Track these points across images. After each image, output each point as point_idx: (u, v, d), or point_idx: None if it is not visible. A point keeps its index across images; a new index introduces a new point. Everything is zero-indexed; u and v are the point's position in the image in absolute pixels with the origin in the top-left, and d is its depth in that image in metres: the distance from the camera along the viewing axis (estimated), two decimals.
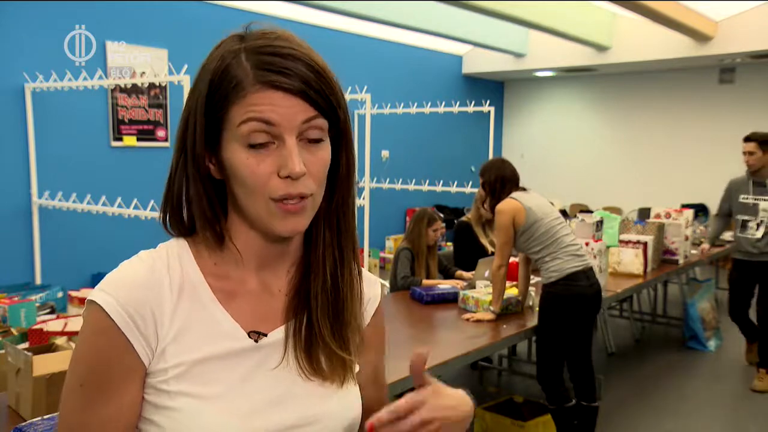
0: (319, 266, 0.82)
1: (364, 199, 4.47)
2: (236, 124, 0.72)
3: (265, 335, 0.80)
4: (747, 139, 4.23)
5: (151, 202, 3.96)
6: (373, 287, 0.92)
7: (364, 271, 0.93)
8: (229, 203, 0.79)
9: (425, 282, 3.86)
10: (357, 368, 0.87)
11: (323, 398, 0.81)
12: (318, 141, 0.75)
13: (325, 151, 0.76)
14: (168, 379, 0.74)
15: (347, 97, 4.27)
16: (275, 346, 0.80)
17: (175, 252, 0.79)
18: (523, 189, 3.20)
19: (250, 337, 0.79)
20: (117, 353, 0.73)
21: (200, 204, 0.77)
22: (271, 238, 0.79)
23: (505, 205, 3.10)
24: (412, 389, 0.76)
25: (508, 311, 3.30)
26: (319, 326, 0.81)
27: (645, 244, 4.40)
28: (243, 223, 0.79)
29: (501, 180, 3.17)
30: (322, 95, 0.73)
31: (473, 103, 6.10)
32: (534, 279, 3.58)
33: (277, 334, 0.81)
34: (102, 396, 0.73)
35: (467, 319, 3.19)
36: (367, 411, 0.82)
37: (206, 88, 0.74)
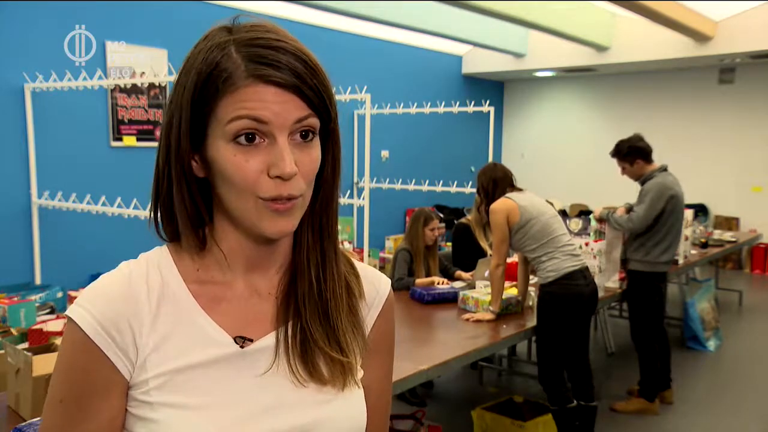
0: (304, 269, 0.78)
1: (363, 199, 4.46)
2: (225, 120, 0.68)
3: (251, 341, 0.76)
4: None
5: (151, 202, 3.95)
6: (377, 287, 0.87)
7: (370, 268, 0.88)
8: (215, 204, 0.75)
9: (418, 281, 3.85)
10: (361, 373, 0.82)
11: (320, 404, 0.76)
12: (310, 140, 0.72)
13: (316, 150, 0.73)
14: (149, 390, 0.72)
15: (347, 97, 4.24)
16: (264, 351, 0.76)
17: (155, 260, 0.76)
18: (519, 189, 3.23)
19: (236, 342, 0.75)
20: (95, 368, 0.71)
21: (183, 204, 0.73)
22: (259, 240, 0.75)
23: (499, 204, 3.13)
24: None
25: (508, 311, 3.30)
26: (311, 330, 0.77)
27: None
28: (229, 225, 0.75)
29: (493, 181, 3.22)
30: (315, 91, 0.70)
31: (473, 103, 6.09)
32: (533, 279, 3.58)
33: (267, 339, 0.77)
34: (82, 412, 0.71)
35: (467, 319, 3.20)
36: None
37: (193, 81, 0.69)
